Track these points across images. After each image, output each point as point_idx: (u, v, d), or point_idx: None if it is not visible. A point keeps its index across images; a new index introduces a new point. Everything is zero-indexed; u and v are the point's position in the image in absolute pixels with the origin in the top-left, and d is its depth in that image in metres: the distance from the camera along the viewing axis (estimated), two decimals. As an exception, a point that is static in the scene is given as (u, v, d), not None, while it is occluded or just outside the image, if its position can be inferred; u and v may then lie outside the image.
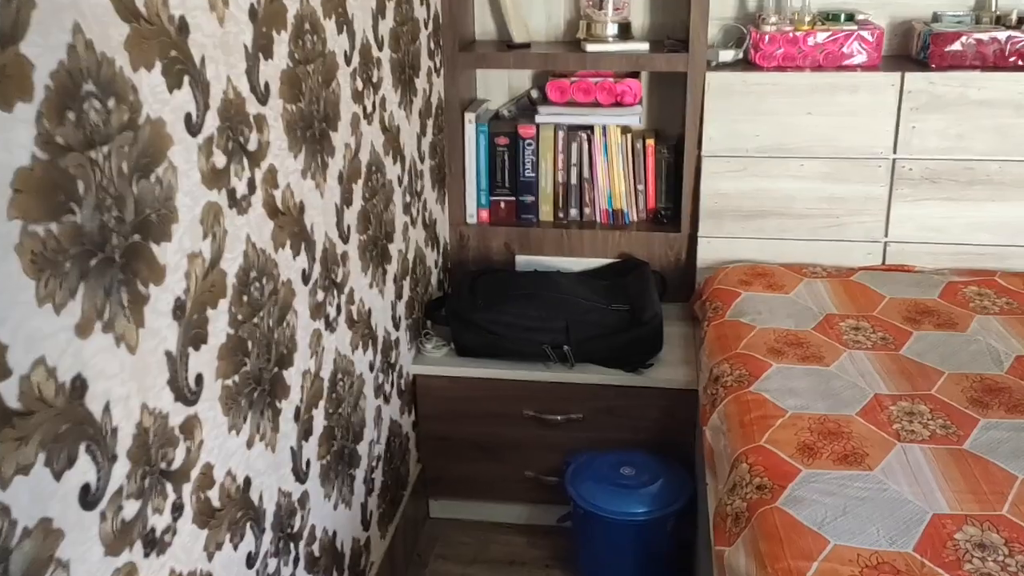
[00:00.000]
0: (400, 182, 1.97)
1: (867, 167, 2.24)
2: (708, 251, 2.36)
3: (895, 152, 2.23)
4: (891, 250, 2.30)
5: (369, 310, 1.78)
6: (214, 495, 1.15)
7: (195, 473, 1.09)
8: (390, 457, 1.97)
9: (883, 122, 2.21)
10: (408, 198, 2.04)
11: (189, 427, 1.07)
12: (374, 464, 1.85)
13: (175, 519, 1.05)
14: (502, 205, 2.50)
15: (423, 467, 2.24)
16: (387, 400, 1.94)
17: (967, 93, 2.17)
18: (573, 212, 2.49)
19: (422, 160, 2.16)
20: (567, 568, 2.13)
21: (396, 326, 1.99)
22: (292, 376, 1.40)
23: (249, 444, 1.25)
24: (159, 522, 1.01)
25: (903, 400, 1.66)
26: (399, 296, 2.00)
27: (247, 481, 1.24)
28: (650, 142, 2.42)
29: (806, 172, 2.26)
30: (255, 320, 1.25)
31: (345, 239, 1.62)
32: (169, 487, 1.03)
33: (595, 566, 2.03)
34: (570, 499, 1.98)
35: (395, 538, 1.99)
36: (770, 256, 2.33)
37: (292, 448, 1.41)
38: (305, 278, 1.43)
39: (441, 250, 2.41)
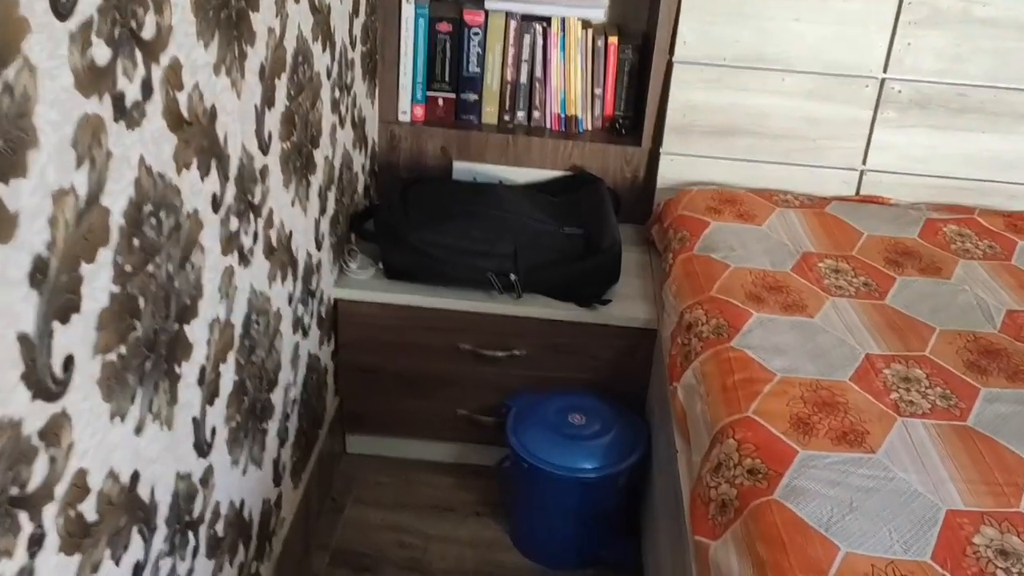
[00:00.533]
0: (329, 74, 1.64)
1: (853, 86, 2.01)
2: (670, 170, 2.11)
3: (885, 71, 2.00)
4: (867, 180, 2.09)
5: (290, 233, 1.48)
6: (89, 508, 0.88)
7: (61, 489, 0.82)
8: (307, 399, 1.70)
9: (876, 36, 1.97)
10: (337, 93, 1.71)
11: (53, 429, 0.79)
12: (289, 411, 1.58)
13: (32, 555, 0.78)
14: (440, 102, 2.18)
15: (341, 401, 1.98)
16: (306, 333, 1.66)
17: (971, 9, 1.94)
18: (520, 115, 2.20)
19: (353, 46, 1.82)
20: (498, 516, 1.93)
21: (318, 246, 1.69)
22: (196, 330, 1.11)
23: (138, 430, 0.97)
24: (8, 568, 0.74)
25: (896, 362, 1.48)
26: (323, 211, 1.69)
27: (134, 477, 0.98)
28: (613, 40, 2.12)
29: (787, 88, 2.01)
30: (149, 268, 0.95)
31: (265, 149, 1.30)
32: (23, 517, 0.76)
33: (531, 520, 1.84)
34: (510, 447, 1.76)
35: (309, 485, 1.75)
36: (739, 179, 2.10)
37: (195, 419, 1.14)
38: (215, 204, 1.13)
39: (369, 152, 2.09)
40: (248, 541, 1.41)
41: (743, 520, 1.20)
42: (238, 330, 1.27)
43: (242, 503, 1.36)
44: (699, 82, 2.02)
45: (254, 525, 1.43)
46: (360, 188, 2.03)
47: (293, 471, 1.65)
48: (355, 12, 1.81)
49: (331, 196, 1.74)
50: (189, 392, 1.11)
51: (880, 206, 2.06)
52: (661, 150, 2.09)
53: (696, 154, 2.09)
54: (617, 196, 2.15)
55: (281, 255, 1.44)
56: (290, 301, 1.53)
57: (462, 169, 2.18)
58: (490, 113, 2.19)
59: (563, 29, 2.10)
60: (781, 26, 1.96)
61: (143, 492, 1.00)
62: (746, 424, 1.33)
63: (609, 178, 2.16)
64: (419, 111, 2.18)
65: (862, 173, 2.09)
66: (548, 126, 2.20)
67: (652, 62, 2.04)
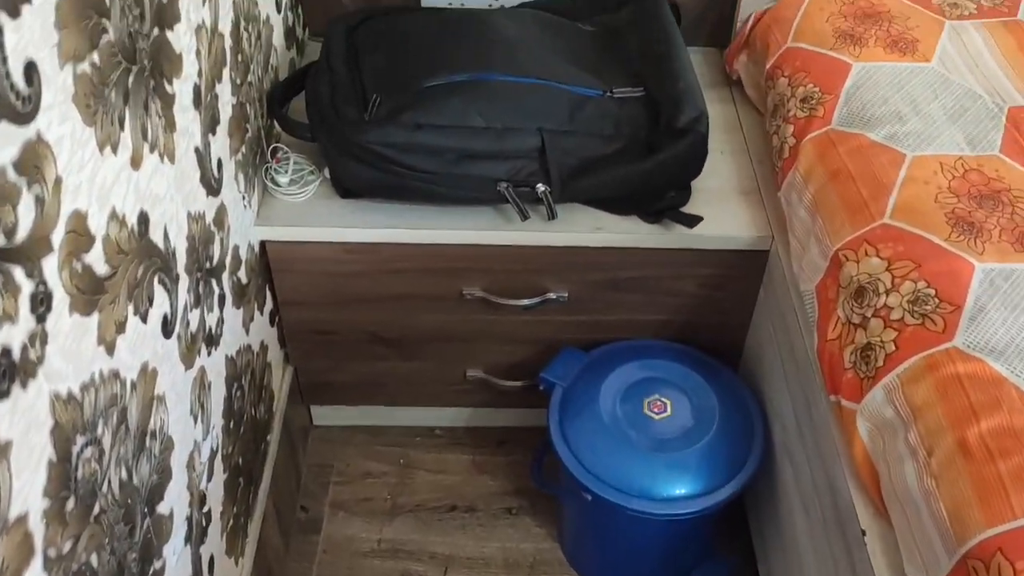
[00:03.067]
0: None
1: None
2: (765, -35, 1.34)
3: None
4: (1073, -44, 1.33)
5: None
6: (96, 258, 0.67)
7: (58, 237, 0.62)
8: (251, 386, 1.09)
9: None
10: None
11: (32, 161, 0.58)
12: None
13: (40, 319, 0.60)
14: None
15: (296, 371, 1.34)
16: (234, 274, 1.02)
17: None
18: None
19: None
20: (539, 510, 1.36)
21: (215, 170, 0.97)
22: (182, 37, 0.83)
23: (135, 162, 0.74)
24: (14, 335, 0.57)
25: None
26: (206, 108, 0.96)
27: (143, 218, 0.76)
28: None
29: None
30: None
31: None
32: (18, 273, 0.57)
33: (593, 550, 1.26)
34: (559, 460, 1.15)
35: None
36: (873, -30, 1.33)
37: (197, 149, 0.88)
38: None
39: (286, -28, 1.31)
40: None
41: None
42: (228, 41, 0.99)
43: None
44: None
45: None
46: (278, 34, 1.26)
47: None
48: None
49: (225, 74, 1.00)
50: (187, 117, 0.86)
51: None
52: (751, -67, 1.31)
53: (807, -65, 1.31)
54: (677, 9, 1.39)
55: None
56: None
57: (436, -17, 1.40)
58: None
59: None
60: None
61: (156, 236, 0.78)
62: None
63: (663, -22, 1.39)
64: None
65: (1066, -54, 1.32)
66: (564, -100, 1.39)
67: None
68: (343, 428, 1.46)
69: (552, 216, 1.15)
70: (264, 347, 1.20)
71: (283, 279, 1.21)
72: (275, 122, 1.20)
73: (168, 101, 0.82)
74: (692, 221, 1.14)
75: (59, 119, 0.62)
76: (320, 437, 1.45)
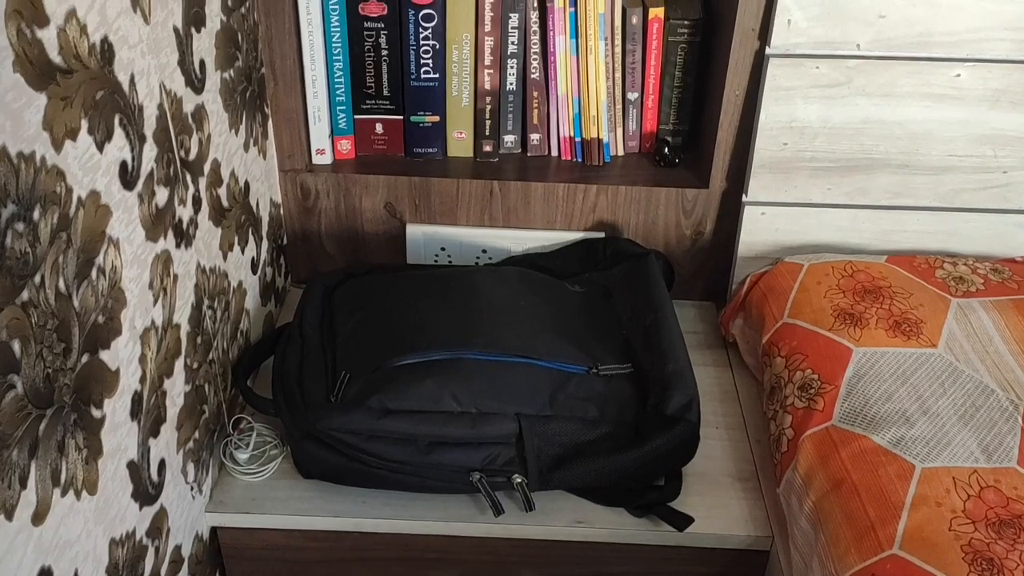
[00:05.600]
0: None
1: (1072, 81, 1.18)
2: (761, 227, 1.29)
3: None
4: (1082, 226, 1.29)
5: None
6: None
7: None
8: None
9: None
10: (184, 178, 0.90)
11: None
12: None
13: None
14: (378, 129, 1.34)
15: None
16: None
17: None
18: (509, 141, 1.37)
19: (200, 74, 0.96)
20: None
21: (160, 467, 0.89)
22: (120, 351, 0.68)
23: (38, 518, 0.66)
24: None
25: None
26: (153, 414, 0.89)
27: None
28: (656, 14, 1.28)
29: (962, 89, 1.18)
30: (24, 296, 0.61)
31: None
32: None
33: None
34: None
35: None
36: (873, 238, 1.29)
37: (132, 463, 0.80)
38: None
39: (266, 231, 1.26)
40: None
41: None
42: (185, 328, 0.92)
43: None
44: (812, 87, 1.18)
45: None
46: (252, 296, 1.21)
47: None
48: (194, 22, 0.95)
49: (178, 365, 0.93)
50: (118, 435, 0.77)
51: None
52: (746, 196, 1.27)
53: (805, 202, 1.27)
54: (671, 266, 1.34)
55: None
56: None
57: (420, 237, 1.36)
58: (460, 142, 1.36)
59: (573, 1, 1.25)
60: (959, -14, 1.12)
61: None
62: None
63: (657, 237, 1.35)
64: (344, 145, 1.35)
65: (1073, 216, 1.28)
66: (555, 154, 1.37)
67: (727, 53, 1.20)
68: None
69: (529, 508, 1.06)
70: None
71: (235, 566, 1.11)
72: (238, 391, 1.13)
73: (94, 428, 0.74)
74: (683, 522, 1.04)
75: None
76: None
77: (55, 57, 0.65)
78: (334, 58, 1.27)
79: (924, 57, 1.16)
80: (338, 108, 1.31)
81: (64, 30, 0.67)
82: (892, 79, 1.17)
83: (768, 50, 1.17)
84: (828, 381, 1.06)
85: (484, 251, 1.36)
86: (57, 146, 0.65)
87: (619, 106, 1.34)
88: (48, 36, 0.65)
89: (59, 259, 0.66)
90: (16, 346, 0.62)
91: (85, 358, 0.72)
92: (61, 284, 0.67)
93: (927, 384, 1.04)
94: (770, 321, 1.19)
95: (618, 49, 1.30)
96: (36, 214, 0.63)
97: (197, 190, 0.95)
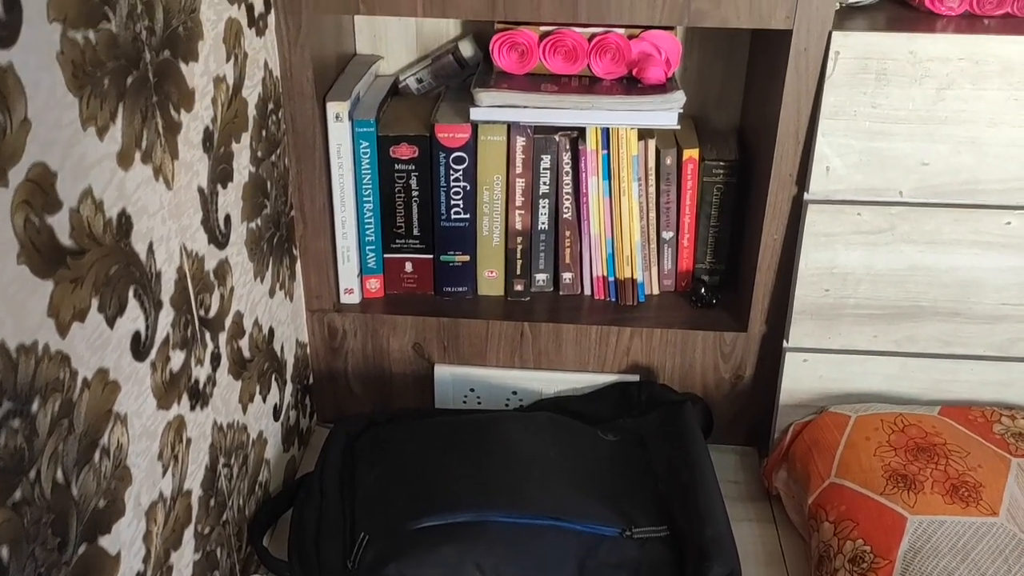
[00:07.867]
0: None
1: None
2: (804, 374, 1.23)
3: None
4: None
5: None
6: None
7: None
8: None
9: None
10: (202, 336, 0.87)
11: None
12: None
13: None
14: (408, 268, 1.32)
15: None
16: None
17: None
18: (541, 280, 1.34)
19: (225, 229, 0.95)
20: None
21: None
22: (122, 533, 0.61)
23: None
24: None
25: None
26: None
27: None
28: (691, 154, 1.25)
29: (1014, 236, 1.13)
30: (17, 495, 0.55)
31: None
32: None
33: None
34: None
35: None
36: (923, 387, 1.23)
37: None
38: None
39: (291, 373, 1.23)
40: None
41: None
42: (197, 493, 0.86)
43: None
44: (854, 234, 1.14)
45: None
46: (273, 444, 1.17)
47: None
48: (221, 159, 0.94)
49: (187, 534, 0.88)
50: None
51: None
52: (787, 343, 1.22)
53: (849, 348, 1.21)
54: (709, 412, 1.28)
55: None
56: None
57: (449, 379, 1.32)
58: (491, 281, 1.33)
59: (605, 143, 1.23)
60: (1008, 135, 1.08)
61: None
62: None
63: (695, 379, 1.29)
64: (373, 284, 1.32)
65: None
66: (588, 293, 1.33)
67: (764, 196, 1.16)
68: None
69: None
70: None
71: None
72: (253, 550, 1.08)
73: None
74: None
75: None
76: None
77: (66, 240, 0.63)
78: (364, 199, 1.26)
79: (972, 204, 1.11)
80: (367, 248, 1.29)
81: (78, 211, 0.65)
82: (938, 226, 1.13)
83: (807, 196, 1.14)
84: (881, 555, 0.98)
85: (514, 392, 1.32)
86: (63, 331, 0.63)
87: (653, 245, 1.30)
88: (59, 220, 0.63)
89: (59, 448, 0.63)
90: (5, 552, 0.58)
91: (83, 548, 0.68)
92: (59, 475, 0.64)
93: (989, 560, 0.96)
94: (816, 480, 1.12)
95: (652, 189, 1.27)
96: (35, 406, 0.60)
97: (216, 347, 0.93)
